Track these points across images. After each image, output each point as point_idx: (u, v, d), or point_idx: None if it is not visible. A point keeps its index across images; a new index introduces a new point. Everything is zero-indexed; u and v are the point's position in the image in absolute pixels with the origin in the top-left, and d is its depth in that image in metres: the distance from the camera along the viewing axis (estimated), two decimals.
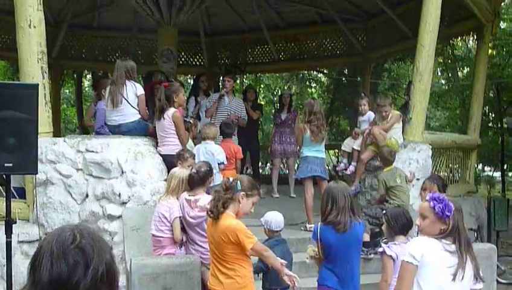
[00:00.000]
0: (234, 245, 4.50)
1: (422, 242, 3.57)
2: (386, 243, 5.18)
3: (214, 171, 7.00)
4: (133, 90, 7.45)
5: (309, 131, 7.82)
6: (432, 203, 3.57)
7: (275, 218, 5.53)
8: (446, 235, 3.54)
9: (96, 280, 1.70)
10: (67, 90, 26.57)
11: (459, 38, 13.84)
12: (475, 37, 12.18)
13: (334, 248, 4.91)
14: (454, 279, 3.46)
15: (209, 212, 4.64)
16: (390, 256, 4.82)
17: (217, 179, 7.09)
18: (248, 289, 4.68)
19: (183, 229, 5.71)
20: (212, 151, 7.50)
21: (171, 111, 7.13)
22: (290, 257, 5.41)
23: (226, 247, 4.52)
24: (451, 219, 3.55)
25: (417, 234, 5.44)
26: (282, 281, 4.68)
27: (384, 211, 5.05)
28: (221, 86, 13.02)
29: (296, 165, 11.12)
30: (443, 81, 26.17)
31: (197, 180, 5.66)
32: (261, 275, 5.33)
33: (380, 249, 5.01)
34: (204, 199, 5.51)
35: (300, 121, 8.49)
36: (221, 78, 13.57)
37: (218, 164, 7.44)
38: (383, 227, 5.15)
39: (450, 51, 21.06)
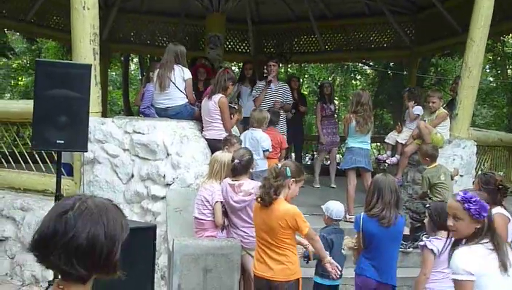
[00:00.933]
0: (290, 230, 4.65)
1: (467, 255, 3.41)
2: (427, 237, 5.17)
3: (258, 157, 7.12)
4: (181, 74, 7.55)
5: (355, 121, 7.80)
6: (466, 205, 3.43)
7: (336, 207, 5.72)
8: (482, 235, 3.46)
9: (70, 251, 1.77)
10: (113, 73, 26.97)
11: (511, 35, 13.57)
12: None
13: (375, 240, 4.94)
14: (505, 274, 3.39)
15: (260, 200, 4.70)
16: (431, 250, 4.81)
17: (262, 165, 7.20)
18: (297, 275, 4.77)
19: (225, 213, 5.79)
20: (257, 138, 7.50)
21: (218, 97, 7.22)
22: None
23: (282, 232, 4.64)
24: (486, 217, 3.49)
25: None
26: (324, 268, 4.79)
27: (427, 206, 5.02)
28: (265, 73, 13.06)
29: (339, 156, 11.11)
30: (491, 79, 25.68)
31: (240, 169, 5.72)
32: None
33: (422, 243, 5.00)
34: (248, 183, 5.59)
35: (347, 112, 8.46)
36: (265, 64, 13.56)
37: (263, 151, 7.45)
38: (425, 221, 5.13)
39: (500, 48, 20.63)
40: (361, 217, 5.03)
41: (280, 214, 4.64)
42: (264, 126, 7.68)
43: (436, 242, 4.84)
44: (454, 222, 3.51)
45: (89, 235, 1.79)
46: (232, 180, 5.70)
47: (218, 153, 6.11)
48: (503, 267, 3.34)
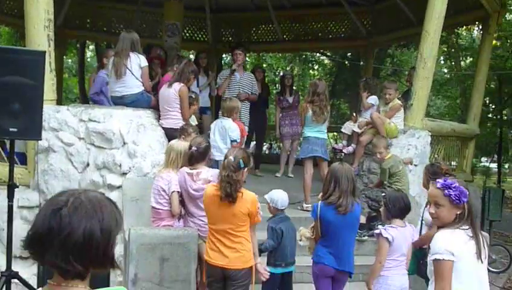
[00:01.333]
0: (248, 217, 4.74)
1: (450, 236, 3.46)
2: (382, 225, 5.26)
3: (225, 146, 7.22)
4: (137, 61, 7.49)
5: (311, 111, 7.85)
6: (446, 191, 3.50)
7: (281, 197, 5.70)
8: (463, 221, 3.52)
9: (67, 248, 1.75)
10: (69, 60, 26.51)
11: (464, 27, 13.85)
12: (480, 27, 12.18)
13: (332, 227, 5.01)
14: (479, 261, 3.48)
15: (226, 196, 4.67)
16: (386, 238, 4.90)
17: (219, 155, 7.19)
18: (251, 262, 4.84)
19: (181, 202, 5.77)
20: (226, 127, 7.50)
21: (179, 86, 7.20)
22: (294, 233, 5.68)
23: (242, 220, 4.72)
24: (466, 203, 3.54)
25: (421, 223, 5.53)
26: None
27: (383, 194, 5.11)
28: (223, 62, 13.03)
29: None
30: (445, 70, 26.15)
31: (197, 157, 5.71)
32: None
33: (377, 231, 5.09)
34: (206, 171, 5.60)
35: (303, 101, 8.51)
36: (229, 52, 13.49)
37: (231, 141, 7.45)
38: (381, 209, 5.22)
39: (455, 40, 21.02)
40: (319, 206, 5.09)
41: (244, 202, 4.71)
42: (234, 115, 7.67)
43: (391, 230, 4.93)
44: (436, 209, 3.56)
45: (85, 232, 1.78)
46: (190, 169, 5.68)
47: (174, 142, 6.09)
48: (479, 254, 3.44)
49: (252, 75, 10.04)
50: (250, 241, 4.85)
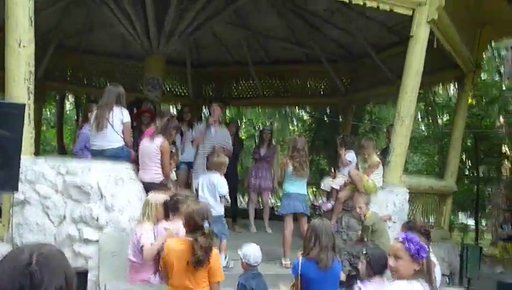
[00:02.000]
0: (206, 272, 4.66)
1: (406, 288, 3.55)
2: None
3: (215, 202, 7.25)
4: (120, 117, 7.48)
5: (291, 166, 7.88)
6: (406, 245, 3.54)
7: (253, 253, 5.59)
8: (421, 275, 3.56)
9: None
10: (47, 112, 26.42)
11: (441, 85, 14.11)
12: (456, 86, 12.44)
13: (314, 283, 4.97)
14: None
15: (197, 263, 4.59)
16: None
17: (219, 210, 7.26)
18: None
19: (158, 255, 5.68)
20: (215, 183, 7.44)
21: (160, 140, 7.19)
22: None
23: (204, 275, 4.66)
24: (425, 259, 3.59)
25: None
26: None
27: (364, 252, 5.09)
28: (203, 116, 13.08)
29: (272, 200, 11.16)
30: (423, 127, 26.51)
31: (171, 207, 5.69)
32: None
33: (357, 287, 5.04)
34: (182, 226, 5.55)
35: (284, 157, 8.53)
36: (207, 106, 13.57)
37: (220, 196, 7.41)
38: (360, 266, 5.17)
39: (432, 98, 21.39)
40: (300, 262, 5.05)
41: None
42: (221, 171, 7.64)
43: (370, 286, 4.90)
44: (395, 261, 3.60)
45: (57, 287, 1.75)
46: (168, 224, 5.65)
47: (150, 195, 6.04)
48: None
49: (227, 131, 10.08)
50: None
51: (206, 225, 4.64)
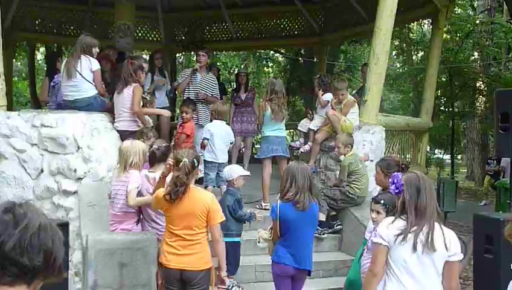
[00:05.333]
0: (204, 218, 4.65)
1: (389, 223, 3.67)
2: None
3: (224, 148, 7.77)
4: (88, 65, 7.35)
5: (270, 109, 7.86)
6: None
7: (226, 171, 6.51)
8: (403, 211, 3.65)
9: (24, 240, 1.68)
10: (18, 63, 25.96)
11: (415, 22, 14.07)
12: (430, 22, 12.40)
13: (292, 225, 5.03)
14: (415, 251, 3.56)
15: (169, 197, 4.62)
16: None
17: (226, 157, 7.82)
18: (209, 264, 4.78)
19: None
20: (228, 132, 7.93)
21: (132, 86, 7.11)
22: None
23: (201, 219, 4.64)
24: (403, 194, 3.67)
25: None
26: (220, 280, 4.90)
27: (382, 202, 5.01)
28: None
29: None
30: (398, 64, 26.58)
31: (159, 157, 5.68)
32: None
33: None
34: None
35: (261, 100, 8.49)
36: (183, 52, 13.39)
37: (230, 143, 8.00)
38: (375, 215, 5.05)
39: (406, 35, 21.37)
40: (278, 205, 5.09)
41: (199, 201, 4.67)
42: (225, 119, 8.09)
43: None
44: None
45: (41, 224, 1.72)
46: (149, 171, 5.65)
47: (128, 143, 5.92)
48: (415, 246, 3.53)
49: (214, 78, 9.93)
50: (207, 243, 4.80)
51: (185, 160, 4.66)
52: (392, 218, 3.71)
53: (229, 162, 10.42)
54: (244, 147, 10.79)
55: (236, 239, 6.27)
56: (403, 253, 3.59)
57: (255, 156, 8.42)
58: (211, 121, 7.97)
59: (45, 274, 1.77)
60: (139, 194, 5.59)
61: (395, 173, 3.92)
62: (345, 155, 7.42)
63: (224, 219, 4.88)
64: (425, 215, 3.60)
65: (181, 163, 4.65)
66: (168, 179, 4.91)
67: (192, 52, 13.05)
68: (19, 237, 1.67)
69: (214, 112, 7.89)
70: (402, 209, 3.67)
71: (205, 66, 9.70)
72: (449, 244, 3.62)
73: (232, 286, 6.23)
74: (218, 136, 7.68)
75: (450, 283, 3.71)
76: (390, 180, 3.88)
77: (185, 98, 9.17)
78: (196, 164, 4.74)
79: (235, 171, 6.37)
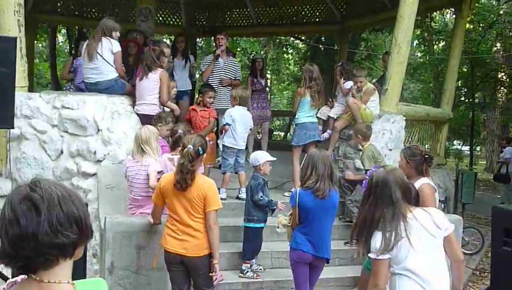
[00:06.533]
0: (201, 204, 4.66)
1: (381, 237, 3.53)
2: None
3: (245, 134, 7.82)
4: (109, 46, 7.36)
5: (309, 97, 7.85)
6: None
7: (253, 156, 6.46)
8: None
9: (54, 226, 1.68)
10: (40, 45, 26.09)
11: (438, 11, 13.90)
12: (453, 11, 12.23)
13: (311, 213, 5.02)
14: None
15: (179, 185, 4.64)
16: None
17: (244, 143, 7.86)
18: (209, 250, 4.78)
19: None
20: (249, 118, 7.98)
21: (158, 71, 7.14)
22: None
23: (200, 206, 4.66)
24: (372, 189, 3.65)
25: None
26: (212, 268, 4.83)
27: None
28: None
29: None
30: (419, 54, 26.33)
31: (173, 141, 5.74)
32: None
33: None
34: None
35: (299, 87, 8.41)
36: (203, 37, 13.37)
37: (250, 129, 8.08)
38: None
39: (428, 24, 21.14)
40: (298, 192, 5.09)
41: (198, 188, 4.67)
42: (247, 105, 8.09)
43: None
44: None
45: (60, 198, 1.72)
46: (172, 155, 5.68)
47: (142, 129, 5.95)
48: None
49: (236, 61, 9.97)
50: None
51: (189, 146, 4.66)
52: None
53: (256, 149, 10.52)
54: (261, 133, 10.78)
55: (257, 225, 6.31)
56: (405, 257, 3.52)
57: (291, 143, 8.32)
58: (233, 106, 7.95)
59: (83, 240, 1.79)
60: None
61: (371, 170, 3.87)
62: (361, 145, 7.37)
63: (221, 206, 4.84)
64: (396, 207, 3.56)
65: (185, 150, 4.66)
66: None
67: (212, 38, 12.95)
68: (46, 221, 1.67)
69: (238, 97, 7.86)
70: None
71: (225, 50, 9.69)
72: (439, 222, 3.56)
73: (247, 271, 6.25)
74: (240, 122, 7.68)
75: (455, 252, 3.68)
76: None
77: (208, 83, 9.20)
78: (201, 152, 4.73)
79: (262, 157, 6.34)
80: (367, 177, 3.80)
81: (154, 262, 5.12)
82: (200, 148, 4.72)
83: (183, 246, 4.72)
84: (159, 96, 7.23)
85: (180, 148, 5.51)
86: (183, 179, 4.62)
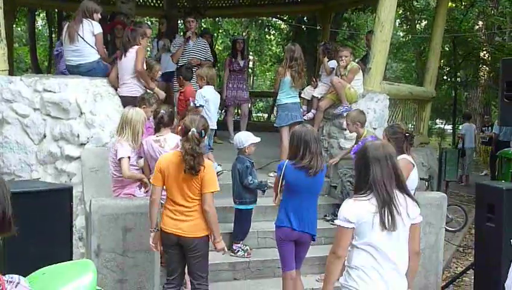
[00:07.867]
0: (198, 185, 4.63)
1: (352, 205, 3.53)
2: None
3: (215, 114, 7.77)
4: (90, 28, 7.28)
5: (290, 76, 7.81)
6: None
7: (236, 137, 6.44)
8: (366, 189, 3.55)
9: None
10: (18, 29, 25.75)
11: None
12: None
13: (297, 189, 5.02)
14: (384, 229, 3.46)
15: (190, 170, 4.57)
16: None
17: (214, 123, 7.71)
18: (207, 231, 4.77)
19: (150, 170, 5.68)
20: (218, 97, 7.88)
21: (135, 48, 7.07)
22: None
23: (193, 186, 4.63)
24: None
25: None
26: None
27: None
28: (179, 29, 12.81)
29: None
30: (401, 34, 26.35)
31: (167, 122, 5.73)
32: None
33: None
34: (172, 137, 5.66)
35: (280, 67, 8.39)
36: (182, 19, 13.31)
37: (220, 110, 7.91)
38: None
39: (410, 3, 21.11)
40: (285, 164, 5.06)
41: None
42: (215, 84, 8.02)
43: None
44: None
45: None
46: (157, 136, 5.64)
47: (133, 112, 5.90)
48: (383, 224, 3.44)
49: (206, 42, 9.96)
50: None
51: (193, 130, 4.62)
52: (353, 199, 3.58)
53: (226, 129, 10.49)
54: (241, 116, 10.76)
55: (249, 207, 6.34)
56: (371, 233, 3.49)
57: (274, 125, 8.29)
58: (200, 86, 7.75)
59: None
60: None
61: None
62: (351, 132, 7.34)
63: (218, 189, 4.78)
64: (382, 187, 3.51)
65: (189, 133, 4.61)
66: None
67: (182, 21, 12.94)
68: None
69: (206, 76, 7.67)
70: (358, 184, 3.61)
71: (195, 32, 9.81)
72: (410, 211, 3.56)
73: (238, 251, 6.29)
74: (212, 102, 7.60)
75: (416, 243, 3.69)
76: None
77: (180, 65, 9.23)
78: (203, 134, 4.70)
79: (246, 140, 6.26)
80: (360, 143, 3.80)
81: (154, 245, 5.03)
82: (203, 131, 4.69)
83: (179, 227, 4.70)
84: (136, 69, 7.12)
85: (164, 129, 5.52)
86: (198, 163, 4.56)
